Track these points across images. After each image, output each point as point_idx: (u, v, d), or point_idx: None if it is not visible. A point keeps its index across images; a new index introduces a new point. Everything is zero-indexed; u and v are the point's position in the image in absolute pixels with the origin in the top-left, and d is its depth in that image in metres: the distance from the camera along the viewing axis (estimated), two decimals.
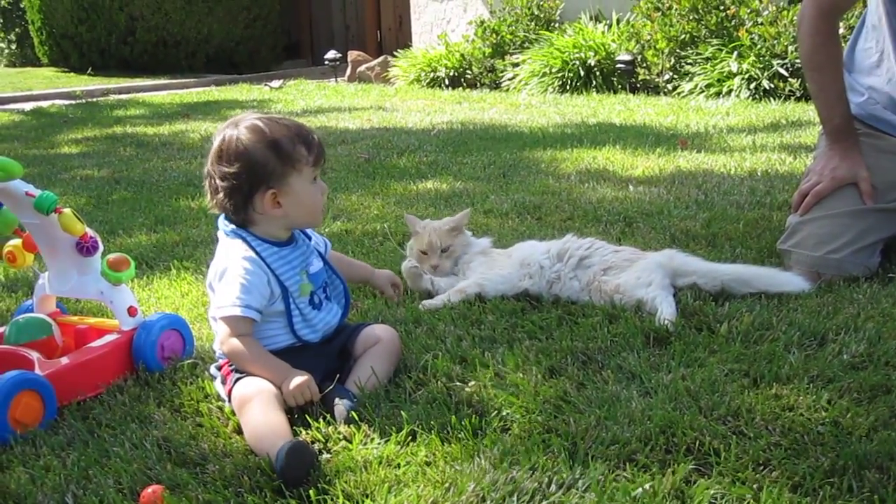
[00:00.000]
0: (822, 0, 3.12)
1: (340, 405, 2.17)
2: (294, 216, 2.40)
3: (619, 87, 9.17)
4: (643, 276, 2.81)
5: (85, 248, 2.52)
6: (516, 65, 10.13)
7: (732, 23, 8.44)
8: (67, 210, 2.48)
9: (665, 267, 2.86)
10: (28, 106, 10.87)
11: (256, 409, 2.12)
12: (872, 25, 3.24)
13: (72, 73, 15.33)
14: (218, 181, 2.34)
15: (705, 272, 2.88)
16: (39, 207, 2.42)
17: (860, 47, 3.34)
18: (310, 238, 2.54)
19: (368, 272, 2.91)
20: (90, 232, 2.54)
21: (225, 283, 2.31)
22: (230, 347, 2.28)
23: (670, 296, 2.77)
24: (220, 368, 2.37)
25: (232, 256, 2.34)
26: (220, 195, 2.34)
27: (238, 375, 2.26)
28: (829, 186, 3.14)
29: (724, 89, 8.05)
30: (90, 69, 15.06)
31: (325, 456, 2.02)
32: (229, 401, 2.26)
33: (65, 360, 2.41)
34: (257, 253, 2.35)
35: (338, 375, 2.33)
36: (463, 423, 2.07)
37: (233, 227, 2.40)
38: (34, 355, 2.40)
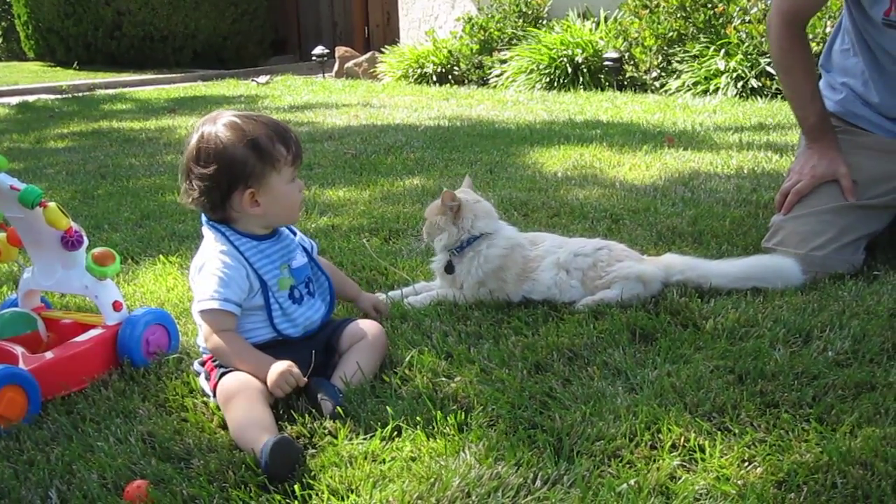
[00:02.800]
0: (784, 8, 3.19)
1: (327, 403, 2.16)
2: (272, 215, 2.40)
3: (607, 84, 9.17)
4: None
5: (70, 242, 2.51)
6: (504, 61, 10.13)
7: (720, 20, 8.45)
8: (52, 204, 2.47)
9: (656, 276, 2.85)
10: (14, 100, 10.83)
11: (241, 404, 2.12)
12: (846, 27, 3.27)
13: (58, 68, 15.29)
14: (195, 180, 2.33)
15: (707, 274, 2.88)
16: (24, 201, 2.40)
17: (837, 48, 3.37)
18: (294, 233, 2.53)
19: (356, 292, 2.87)
20: (75, 226, 2.53)
21: (203, 278, 2.32)
22: (213, 343, 2.28)
23: (614, 293, 2.78)
24: (203, 364, 2.37)
25: (210, 251, 2.35)
26: (196, 193, 2.34)
27: (223, 370, 2.26)
28: (810, 184, 3.17)
29: (712, 87, 8.06)
30: (76, 64, 15.02)
31: (311, 451, 2.02)
32: (214, 396, 2.25)
33: (49, 355, 2.40)
34: (236, 247, 2.35)
35: (311, 366, 2.31)
36: (448, 418, 2.07)
37: (213, 221, 2.40)
38: (18, 350, 2.39)
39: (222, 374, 2.25)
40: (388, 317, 2.80)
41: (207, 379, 2.32)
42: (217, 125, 2.35)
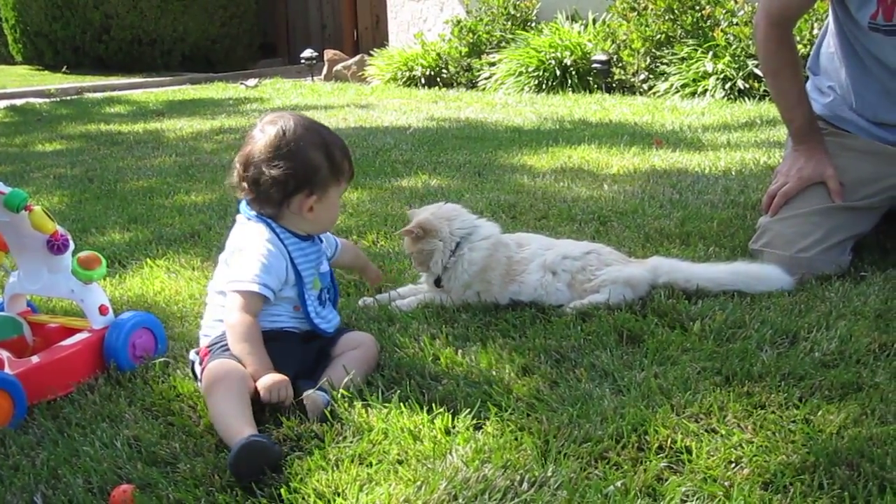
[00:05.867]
0: (770, 9, 3.20)
1: (316, 395, 2.16)
2: (316, 223, 2.47)
3: (595, 86, 9.18)
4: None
5: (55, 246, 2.50)
6: (492, 64, 10.13)
7: (708, 23, 8.46)
8: (38, 208, 2.46)
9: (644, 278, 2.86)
10: (1, 104, 10.78)
11: (223, 391, 2.13)
12: (832, 31, 3.28)
13: (46, 71, 15.24)
14: (270, 171, 2.35)
15: (690, 276, 2.89)
16: (9, 205, 2.39)
17: (824, 51, 3.38)
18: (321, 241, 2.57)
19: (368, 268, 2.99)
20: (61, 230, 2.52)
21: (245, 259, 2.35)
22: (237, 318, 2.29)
23: (602, 297, 2.79)
24: (198, 353, 2.39)
25: (255, 236, 2.39)
26: (265, 185, 2.36)
27: (214, 356, 2.28)
28: (796, 186, 3.18)
29: (700, 89, 8.08)
30: (65, 67, 14.97)
31: (297, 454, 2.01)
32: (202, 379, 2.27)
33: (35, 359, 2.39)
34: (281, 240, 2.39)
35: (315, 388, 2.32)
36: (435, 421, 2.07)
37: (258, 214, 2.43)
38: (4, 354, 2.38)
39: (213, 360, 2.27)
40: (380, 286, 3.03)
41: (200, 364, 2.34)
42: (296, 125, 2.39)
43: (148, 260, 3.56)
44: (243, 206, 2.48)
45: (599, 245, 2.98)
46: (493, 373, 2.34)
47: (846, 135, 3.27)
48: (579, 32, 9.60)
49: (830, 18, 3.27)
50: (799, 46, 3.56)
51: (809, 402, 2.10)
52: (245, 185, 2.40)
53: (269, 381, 2.18)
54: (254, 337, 2.28)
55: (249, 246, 2.37)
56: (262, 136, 2.39)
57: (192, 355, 2.43)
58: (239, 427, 2.00)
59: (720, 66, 7.99)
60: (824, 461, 1.84)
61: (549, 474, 1.84)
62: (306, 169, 2.37)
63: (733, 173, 4.78)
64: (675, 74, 8.37)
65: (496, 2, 10.66)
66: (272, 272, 2.34)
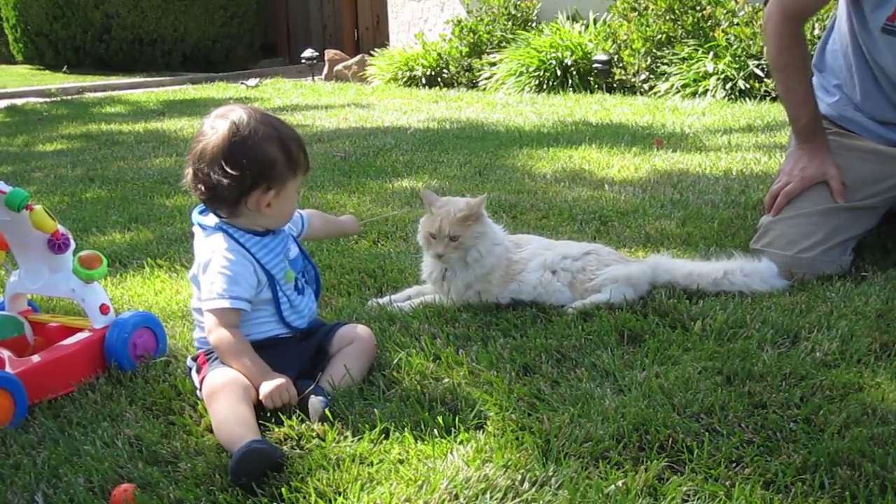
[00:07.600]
0: (786, 4, 3.16)
1: (315, 401, 2.16)
2: (274, 218, 2.39)
3: (596, 86, 9.17)
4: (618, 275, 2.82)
5: (56, 245, 2.50)
6: (493, 64, 10.12)
7: (708, 23, 8.46)
8: (39, 207, 2.46)
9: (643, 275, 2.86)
10: (2, 103, 10.78)
11: (224, 400, 2.12)
12: (840, 30, 3.27)
13: (47, 71, 15.23)
14: (225, 169, 2.25)
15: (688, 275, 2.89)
16: (10, 204, 2.39)
17: (830, 49, 3.37)
18: None
19: (340, 225, 2.90)
20: (62, 229, 2.52)
21: (210, 276, 2.30)
22: (217, 337, 2.27)
23: (603, 296, 2.78)
24: (196, 359, 2.37)
25: (215, 249, 2.32)
26: (220, 184, 2.26)
27: (214, 365, 2.27)
28: (799, 186, 3.17)
29: (700, 89, 8.07)
30: (65, 67, 14.97)
31: (298, 453, 2.01)
32: (201, 388, 2.26)
33: (36, 358, 2.39)
34: (241, 244, 2.34)
35: (319, 374, 2.33)
36: (436, 420, 2.07)
37: (215, 221, 2.37)
38: (5, 353, 2.38)
39: (212, 370, 2.25)
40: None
41: (198, 372, 2.33)
42: (249, 118, 2.30)
43: (149, 259, 3.55)
44: (196, 215, 2.42)
45: (599, 245, 2.98)
46: (494, 372, 2.34)
47: (850, 135, 3.26)
48: (580, 32, 9.59)
49: (838, 15, 3.26)
50: None
51: (810, 402, 2.09)
52: (201, 186, 2.30)
53: (269, 387, 2.17)
54: (241, 348, 2.26)
55: (213, 260, 2.31)
56: (214, 132, 2.28)
57: (189, 362, 2.43)
58: (241, 433, 2.00)
59: (721, 67, 7.98)
60: (825, 461, 1.84)
61: (551, 474, 1.85)
62: (263, 164, 2.28)
63: (734, 173, 4.78)
64: (675, 74, 8.37)
65: (497, 2, 10.65)
66: (241, 282, 2.29)
